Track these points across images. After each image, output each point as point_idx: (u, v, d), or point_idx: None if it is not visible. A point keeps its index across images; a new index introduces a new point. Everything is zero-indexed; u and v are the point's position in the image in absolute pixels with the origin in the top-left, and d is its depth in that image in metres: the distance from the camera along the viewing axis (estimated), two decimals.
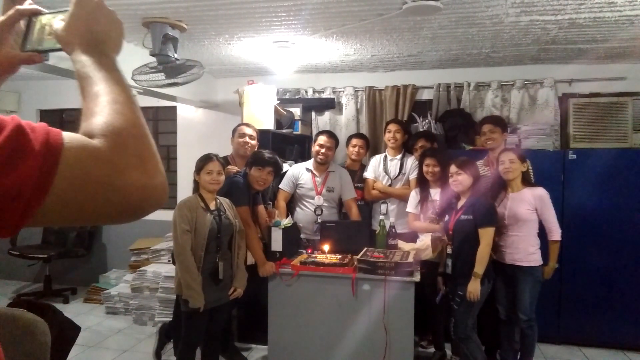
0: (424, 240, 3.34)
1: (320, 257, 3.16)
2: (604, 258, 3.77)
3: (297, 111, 4.48)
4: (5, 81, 0.82)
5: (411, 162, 3.91)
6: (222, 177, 2.97)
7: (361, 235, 3.47)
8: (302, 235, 3.71)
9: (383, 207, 3.83)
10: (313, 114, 4.86)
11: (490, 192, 3.22)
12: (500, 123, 3.61)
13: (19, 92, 5.57)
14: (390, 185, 3.92)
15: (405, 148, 4.04)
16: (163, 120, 5.44)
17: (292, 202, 3.98)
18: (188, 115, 5.29)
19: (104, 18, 0.71)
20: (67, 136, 0.56)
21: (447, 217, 3.22)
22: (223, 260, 2.91)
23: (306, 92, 4.88)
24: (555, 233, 3.09)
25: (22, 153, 0.52)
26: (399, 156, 3.98)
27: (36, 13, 0.77)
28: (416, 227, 3.57)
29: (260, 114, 4.06)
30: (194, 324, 2.84)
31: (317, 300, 3.08)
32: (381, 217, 3.59)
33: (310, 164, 3.95)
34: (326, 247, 3.27)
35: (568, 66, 4.29)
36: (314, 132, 4.61)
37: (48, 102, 5.50)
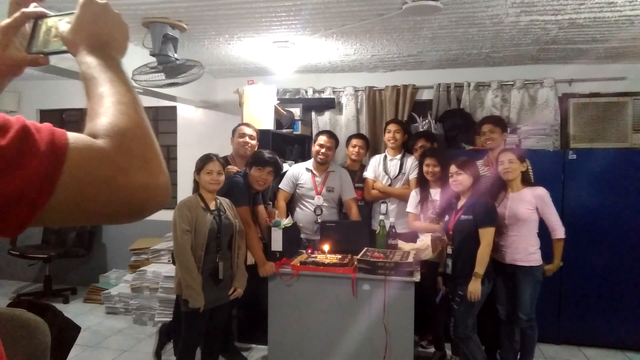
0: (424, 240, 3.34)
1: (320, 257, 3.16)
2: (604, 258, 3.77)
3: (297, 111, 4.48)
4: (9, 82, 0.83)
5: (411, 162, 3.91)
6: (222, 177, 2.97)
7: (361, 235, 3.47)
8: (302, 235, 3.71)
9: (383, 207, 3.83)
10: (313, 114, 4.86)
11: (490, 192, 3.22)
12: (500, 123, 3.61)
13: (19, 92, 5.57)
14: (390, 185, 3.92)
15: (405, 148, 4.04)
16: (163, 120, 5.44)
17: (292, 202, 3.98)
18: (188, 115, 5.29)
19: (110, 21, 0.73)
20: (72, 136, 0.57)
21: (447, 217, 3.22)
22: (223, 260, 2.91)
23: (306, 92, 4.88)
24: (559, 231, 3.08)
25: (28, 153, 0.53)
26: (399, 156, 3.98)
27: (42, 16, 0.78)
28: (416, 227, 3.57)
29: (260, 114, 4.06)
30: (194, 324, 2.84)
31: (317, 300, 3.08)
32: (381, 217, 3.60)
33: (310, 164, 3.95)
34: (326, 247, 3.27)
35: (568, 66, 4.30)
36: (314, 132, 4.61)
37: (48, 102, 5.50)
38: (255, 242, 3.20)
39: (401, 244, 3.37)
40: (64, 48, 0.74)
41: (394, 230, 3.46)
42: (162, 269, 4.38)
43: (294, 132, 4.45)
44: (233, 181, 3.26)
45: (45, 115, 5.62)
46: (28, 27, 0.79)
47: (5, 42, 0.78)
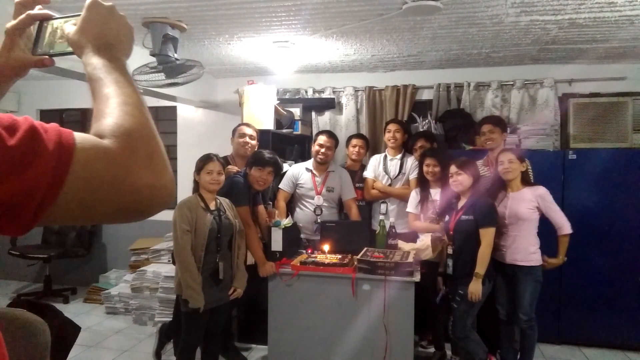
0: (424, 240, 3.34)
1: (320, 257, 3.16)
2: (604, 258, 3.77)
3: (297, 111, 4.48)
4: (14, 83, 0.84)
5: (411, 162, 3.91)
6: (222, 177, 2.97)
7: (361, 235, 3.47)
8: (302, 235, 3.71)
9: (383, 207, 3.83)
10: (313, 114, 4.86)
11: (490, 192, 3.22)
12: (500, 123, 3.61)
13: (19, 92, 5.56)
14: (390, 185, 3.92)
15: (405, 148, 4.04)
16: (163, 120, 5.44)
17: (292, 202, 3.98)
18: (188, 115, 5.29)
19: (116, 22, 0.74)
20: (79, 137, 0.57)
21: (447, 217, 3.22)
22: (223, 260, 2.90)
23: (306, 92, 4.88)
24: (566, 227, 3.06)
25: (36, 153, 0.53)
26: (399, 156, 3.98)
27: (47, 18, 0.79)
28: (416, 227, 3.57)
29: (260, 114, 4.06)
30: (194, 324, 2.84)
31: (317, 300, 3.08)
32: (381, 217, 3.59)
33: (310, 164, 3.95)
34: (326, 247, 3.27)
35: (568, 66, 4.29)
36: (314, 132, 4.61)
37: (48, 102, 5.50)
38: (255, 242, 3.20)
39: (401, 244, 3.37)
40: (70, 49, 0.75)
41: (394, 230, 3.46)
42: (162, 269, 4.38)
43: (294, 132, 4.45)
44: (233, 181, 3.26)
45: (45, 115, 5.62)
46: (33, 29, 0.80)
47: (10, 44, 0.79)
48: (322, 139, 3.87)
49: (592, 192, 3.78)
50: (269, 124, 4.06)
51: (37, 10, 0.79)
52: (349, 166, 4.16)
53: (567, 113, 4.11)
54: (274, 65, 4.13)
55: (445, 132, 4.32)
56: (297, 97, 4.83)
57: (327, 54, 4.03)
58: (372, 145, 4.45)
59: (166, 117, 5.39)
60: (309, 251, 3.35)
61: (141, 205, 0.60)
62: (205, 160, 2.93)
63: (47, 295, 4.96)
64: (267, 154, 3.28)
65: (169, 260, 4.25)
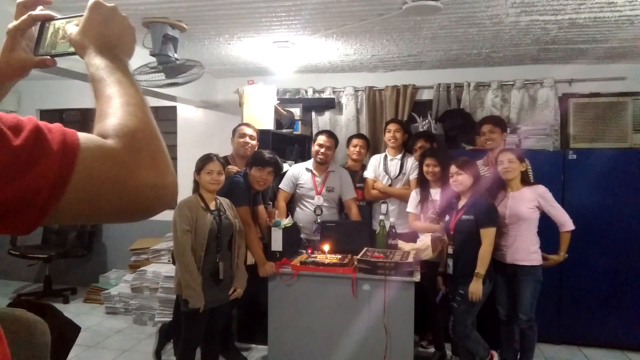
0: (424, 240, 3.34)
1: (320, 257, 3.16)
2: (604, 258, 3.77)
3: (297, 111, 4.48)
4: (16, 83, 0.85)
5: (411, 162, 3.90)
6: (222, 177, 2.97)
7: (361, 235, 3.47)
8: (302, 235, 3.71)
9: (383, 207, 3.83)
10: (313, 114, 4.86)
11: (490, 192, 3.22)
12: (500, 123, 3.61)
13: (19, 92, 5.56)
14: (390, 185, 3.92)
15: (406, 148, 4.03)
16: (163, 120, 5.43)
17: (292, 202, 3.98)
18: (188, 115, 5.29)
19: (118, 23, 0.74)
20: (83, 137, 0.58)
21: (447, 217, 3.22)
22: (223, 260, 2.90)
23: (306, 92, 4.88)
24: (568, 223, 3.06)
25: (41, 153, 0.54)
26: (399, 156, 3.98)
27: (49, 18, 0.79)
28: (416, 227, 3.57)
29: (260, 114, 4.06)
30: (193, 324, 2.84)
31: (317, 300, 3.08)
32: (381, 217, 3.59)
33: (310, 164, 3.95)
34: (326, 247, 3.27)
35: (568, 66, 4.29)
36: (314, 132, 4.61)
37: (48, 102, 5.50)
38: (255, 242, 3.20)
39: (401, 244, 3.37)
40: (71, 50, 0.75)
41: (394, 230, 3.46)
42: (162, 269, 4.38)
43: (294, 132, 4.45)
44: (233, 181, 3.26)
45: (45, 115, 5.62)
46: (34, 29, 0.80)
47: (12, 44, 0.80)
48: (321, 139, 3.87)
49: (592, 192, 3.78)
50: (269, 124, 4.06)
51: (39, 11, 0.79)
52: (350, 166, 4.16)
53: (567, 113, 4.12)
54: (274, 65, 4.13)
55: (445, 132, 4.31)
56: (297, 97, 4.83)
57: (327, 54, 4.03)
58: (372, 146, 4.45)
59: (166, 117, 5.39)
60: (309, 251, 3.35)
61: (144, 204, 0.60)
62: (205, 160, 2.93)
63: (47, 295, 4.96)
64: (267, 154, 3.28)
65: (169, 260, 4.25)
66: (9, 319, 1.22)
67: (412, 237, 3.58)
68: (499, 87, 4.43)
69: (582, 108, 4.02)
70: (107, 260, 5.50)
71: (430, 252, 3.23)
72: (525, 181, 3.17)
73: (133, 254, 4.93)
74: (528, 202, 3.08)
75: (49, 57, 0.80)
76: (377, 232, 3.49)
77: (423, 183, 3.56)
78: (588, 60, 4.16)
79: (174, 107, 5.25)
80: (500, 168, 3.14)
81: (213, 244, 2.86)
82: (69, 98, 5.24)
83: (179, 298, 2.92)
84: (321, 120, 4.86)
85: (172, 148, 5.35)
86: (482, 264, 2.92)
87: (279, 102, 4.37)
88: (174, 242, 2.87)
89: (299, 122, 4.47)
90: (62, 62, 0.85)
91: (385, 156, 4.03)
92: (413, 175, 3.83)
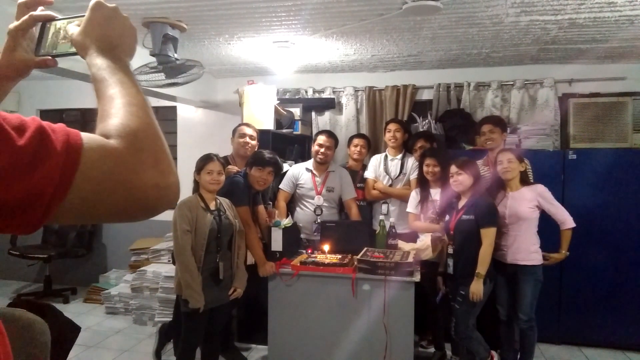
0: (424, 240, 3.34)
1: (320, 257, 3.16)
2: (604, 258, 3.77)
3: (297, 111, 4.48)
4: (17, 83, 0.85)
5: (412, 162, 3.90)
6: (223, 177, 2.97)
7: (361, 235, 3.47)
8: (302, 235, 3.71)
9: (384, 207, 3.83)
10: (313, 114, 4.86)
11: (489, 192, 3.22)
12: (500, 123, 3.61)
13: (19, 92, 5.56)
14: (391, 185, 3.91)
15: (406, 148, 4.03)
16: (163, 120, 5.43)
17: (292, 202, 3.98)
18: (188, 115, 5.29)
19: (119, 23, 0.75)
20: (86, 137, 0.58)
21: (447, 217, 3.22)
22: (223, 260, 2.90)
23: (306, 92, 4.88)
24: (569, 221, 3.06)
25: (45, 153, 0.54)
26: (400, 156, 3.97)
27: (50, 19, 0.80)
28: (416, 227, 3.57)
29: (260, 114, 4.06)
30: (193, 324, 2.84)
31: (317, 300, 3.08)
32: (381, 217, 3.59)
33: (310, 164, 3.95)
34: (326, 247, 3.27)
35: (568, 66, 4.29)
36: (314, 132, 4.61)
37: (48, 102, 5.50)
38: (255, 242, 3.20)
39: (401, 244, 3.37)
40: (73, 50, 0.75)
41: (394, 230, 3.46)
42: (162, 269, 4.38)
43: (294, 132, 4.45)
44: (233, 181, 3.26)
45: (45, 115, 5.61)
46: (35, 30, 0.80)
47: (13, 45, 0.80)
48: (321, 138, 3.88)
49: (592, 192, 3.78)
50: (269, 124, 4.06)
51: (40, 11, 0.80)
52: (351, 166, 4.16)
53: (567, 113, 4.11)
54: (274, 65, 4.13)
55: (445, 132, 4.31)
56: (297, 97, 4.83)
57: (327, 54, 4.03)
58: (372, 146, 4.45)
59: (166, 117, 5.39)
60: (309, 251, 3.35)
61: (147, 204, 0.61)
62: (205, 160, 2.93)
63: (47, 295, 4.96)
64: (267, 154, 3.28)
65: (169, 260, 4.25)
66: (9, 319, 1.22)
67: (412, 237, 3.58)
68: (499, 87, 4.43)
69: (582, 108, 4.02)
70: (107, 260, 5.50)
71: (430, 252, 3.23)
72: (524, 181, 3.17)
73: (133, 254, 4.93)
74: (527, 201, 3.08)
75: (50, 57, 0.80)
76: (377, 232, 3.49)
77: (423, 183, 3.56)
78: (588, 60, 4.16)
79: (174, 107, 5.25)
80: (500, 168, 3.14)
81: (213, 244, 2.86)
82: (69, 98, 5.24)
83: (179, 298, 2.92)
84: (321, 120, 4.86)
85: (172, 148, 5.35)
86: (483, 264, 2.92)
87: (279, 102, 4.37)
88: (174, 242, 2.87)
89: (299, 122, 4.47)
90: (62, 62, 0.85)
91: (386, 156, 4.03)
92: (413, 176, 3.82)
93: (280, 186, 3.91)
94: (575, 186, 3.79)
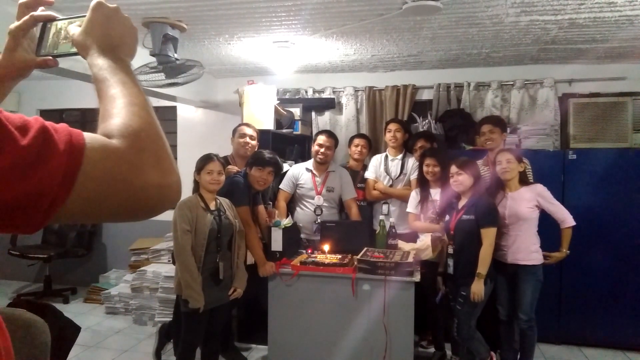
0: (424, 240, 3.34)
1: (320, 257, 3.16)
2: (604, 258, 3.77)
3: (297, 111, 4.48)
4: (17, 84, 0.86)
5: (412, 162, 3.90)
6: (223, 177, 2.97)
7: (361, 235, 3.47)
8: (302, 235, 3.71)
9: (384, 207, 3.83)
10: (313, 114, 4.86)
11: (489, 192, 3.22)
12: (500, 123, 3.60)
13: (19, 92, 5.56)
14: (391, 185, 3.91)
15: (406, 148, 4.03)
16: (163, 120, 5.41)
17: (292, 202, 3.98)
18: (188, 115, 5.29)
19: (120, 24, 0.75)
20: (88, 136, 0.58)
21: (447, 217, 3.22)
22: (223, 260, 2.90)
23: (306, 92, 4.88)
24: (569, 220, 3.05)
25: (48, 153, 0.54)
26: (400, 156, 3.97)
27: (51, 19, 0.80)
28: (416, 227, 3.57)
29: (260, 114, 4.06)
30: (193, 324, 2.84)
31: (317, 300, 3.08)
32: (381, 217, 3.59)
33: (310, 164, 3.95)
34: (326, 247, 3.27)
35: (568, 66, 4.29)
36: (314, 132, 4.61)
37: (48, 102, 5.50)
38: (255, 242, 3.20)
39: (401, 244, 3.37)
40: (73, 50, 0.76)
41: (394, 230, 3.46)
42: (162, 269, 4.38)
43: (294, 132, 4.45)
44: (233, 181, 3.26)
45: (45, 115, 5.55)
46: (36, 30, 0.80)
47: (14, 45, 0.81)
48: (321, 138, 3.88)
49: (592, 192, 3.78)
50: (269, 124, 4.06)
51: (41, 11, 0.80)
52: (351, 166, 4.16)
53: (567, 113, 4.11)
54: (274, 65, 4.13)
55: (445, 132, 4.31)
56: (297, 97, 4.83)
57: (327, 54, 4.03)
58: (372, 146, 4.45)
59: (166, 117, 5.39)
60: (309, 251, 3.35)
61: (148, 204, 0.61)
62: (205, 160, 2.93)
63: (47, 295, 4.96)
64: (267, 154, 3.28)
65: (169, 260, 4.25)
66: (9, 319, 1.22)
67: (412, 237, 3.58)
68: (499, 87, 4.43)
69: (582, 108, 4.02)
70: (107, 260, 5.50)
71: (430, 252, 3.23)
72: (523, 181, 3.17)
73: (133, 254, 4.93)
74: (527, 201, 3.08)
75: (51, 57, 0.80)
76: (377, 232, 3.49)
77: (423, 183, 3.56)
78: (588, 60, 4.16)
79: (174, 107, 5.25)
80: (499, 168, 3.14)
81: (213, 244, 2.86)
82: (69, 98, 5.24)
83: (179, 298, 2.92)
84: (321, 120, 4.86)
85: (172, 148, 5.15)
86: (483, 264, 2.92)
87: (279, 102, 4.37)
88: (174, 242, 2.87)
89: (299, 122, 4.47)
90: (62, 62, 0.85)
91: (386, 156, 4.03)
92: (414, 176, 3.82)
93: (280, 186, 3.91)
94: (575, 186, 3.79)
